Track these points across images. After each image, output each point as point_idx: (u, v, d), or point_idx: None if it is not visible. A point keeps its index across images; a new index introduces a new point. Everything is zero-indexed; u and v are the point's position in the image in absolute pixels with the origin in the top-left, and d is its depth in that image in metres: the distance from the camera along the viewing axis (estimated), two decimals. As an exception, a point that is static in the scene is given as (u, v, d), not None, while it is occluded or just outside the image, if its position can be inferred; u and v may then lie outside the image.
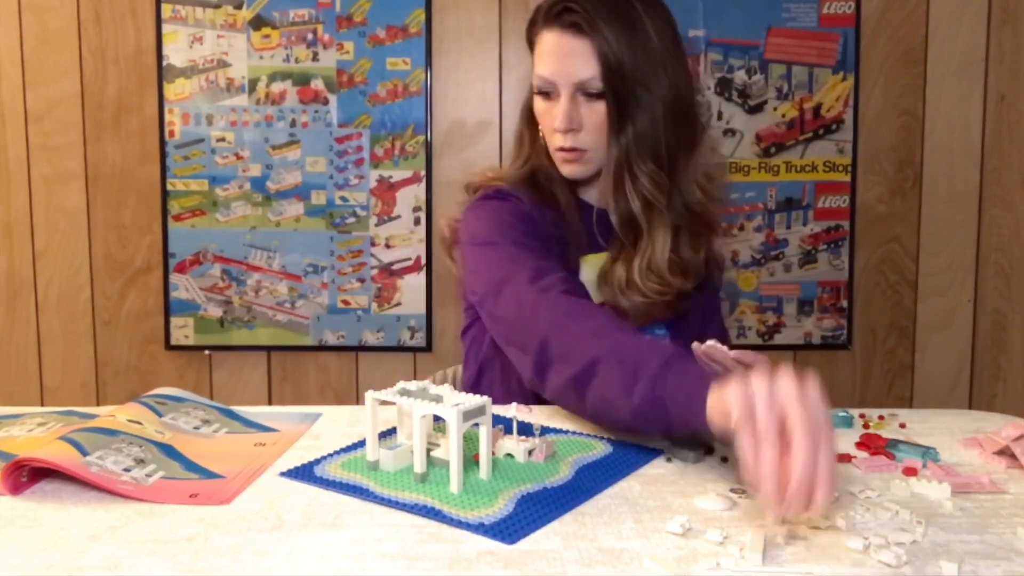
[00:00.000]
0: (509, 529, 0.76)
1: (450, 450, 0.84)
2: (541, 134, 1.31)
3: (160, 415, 1.04)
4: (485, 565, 0.69)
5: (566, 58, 1.21)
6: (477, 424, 0.87)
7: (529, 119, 1.34)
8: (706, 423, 0.83)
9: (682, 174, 1.28)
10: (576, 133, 1.24)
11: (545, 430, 1.02)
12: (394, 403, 0.91)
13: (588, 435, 1.04)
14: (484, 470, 0.88)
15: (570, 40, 1.20)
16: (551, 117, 1.24)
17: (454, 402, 0.87)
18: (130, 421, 0.99)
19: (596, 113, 1.23)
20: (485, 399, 0.88)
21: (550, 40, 1.22)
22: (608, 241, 1.31)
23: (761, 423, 0.72)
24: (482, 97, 2.18)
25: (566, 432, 1.06)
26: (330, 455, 0.97)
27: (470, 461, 0.91)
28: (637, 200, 1.25)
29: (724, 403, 0.79)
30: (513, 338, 1.12)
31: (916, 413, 1.15)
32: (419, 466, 0.87)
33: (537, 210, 1.29)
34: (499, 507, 0.81)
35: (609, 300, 1.28)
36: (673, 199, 1.27)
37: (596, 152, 1.26)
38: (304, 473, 0.91)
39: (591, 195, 1.34)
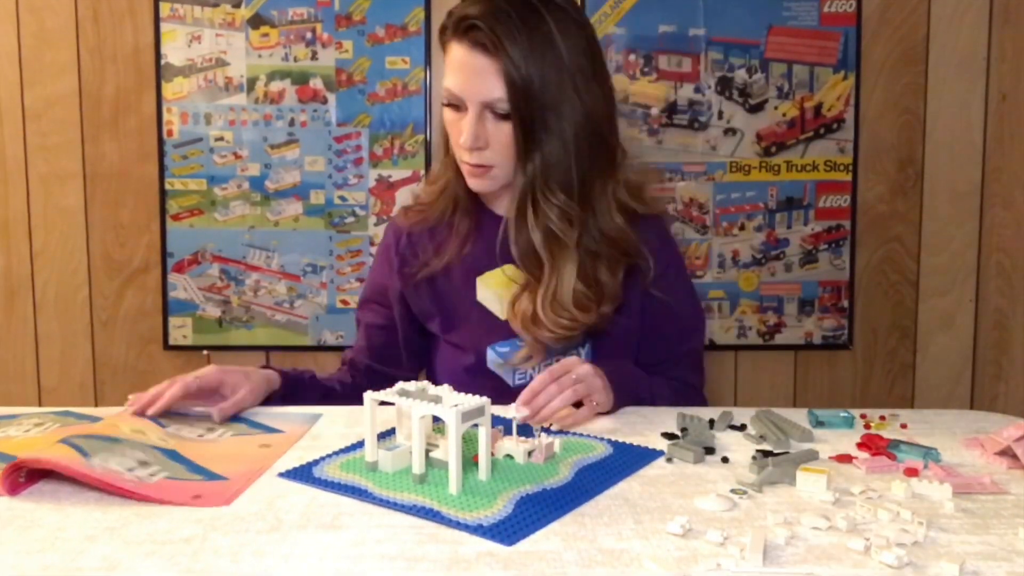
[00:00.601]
0: (508, 530, 0.76)
1: (449, 451, 0.84)
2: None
3: (163, 426, 1.04)
4: (484, 566, 0.69)
5: (473, 75, 1.17)
6: (476, 425, 0.87)
7: (444, 128, 1.30)
8: None
9: (598, 200, 1.24)
10: (482, 151, 1.20)
11: (544, 431, 1.01)
12: (393, 404, 0.90)
13: (588, 436, 1.04)
14: (483, 471, 0.88)
15: (477, 57, 1.16)
16: (458, 131, 1.20)
17: (453, 403, 0.87)
18: (133, 431, 0.99)
19: (503, 132, 1.19)
20: (484, 400, 0.87)
21: (458, 54, 1.18)
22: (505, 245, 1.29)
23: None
24: (482, 96, 2.16)
25: (566, 433, 1.05)
26: (329, 456, 0.96)
27: (469, 462, 0.91)
28: (539, 232, 1.21)
29: None
30: None
31: (917, 413, 1.15)
32: (418, 467, 0.87)
33: (419, 236, 1.34)
34: (498, 508, 0.80)
35: (519, 330, 1.26)
36: (587, 228, 1.23)
37: (503, 168, 1.22)
38: (302, 474, 0.91)
39: (502, 206, 1.31)
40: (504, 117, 1.18)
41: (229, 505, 0.82)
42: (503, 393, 1.26)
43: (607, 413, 1.13)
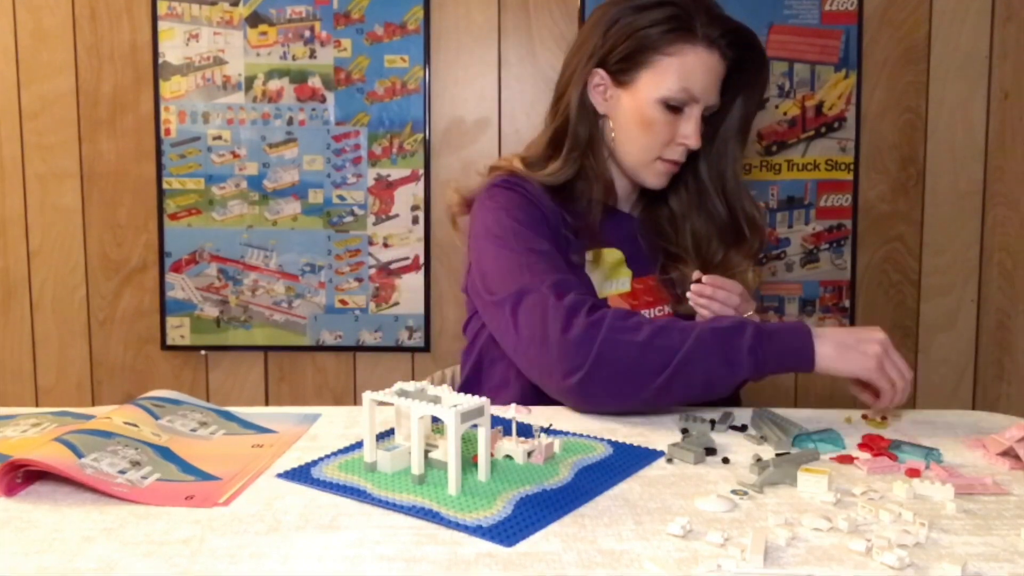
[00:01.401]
0: (507, 531, 0.75)
1: (448, 451, 0.83)
2: (611, 137, 1.32)
3: (157, 418, 1.04)
4: (484, 567, 0.69)
5: (716, 81, 1.29)
6: (475, 425, 0.86)
7: (583, 113, 1.32)
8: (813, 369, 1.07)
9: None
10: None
11: (544, 431, 1.00)
12: (392, 404, 0.89)
13: (588, 436, 1.03)
14: (483, 472, 0.87)
15: (719, 65, 1.28)
16: (673, 130, 1.29)
17: (452, 403, 0.86)
18: (126, 423, 0.99)
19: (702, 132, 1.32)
20: (484, 400, 0.87)
21: (708, 60, 1.27)
22: (625, 245, 1.36)
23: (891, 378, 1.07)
24: (481, 95, 2.16)
25: (566, 433, 1.04)
26: (327, 456, 0.95)
27: (469, 463, 0.90)
28: (743, 214, 1.41)
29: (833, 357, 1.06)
30: (534, 353, 1.11)
31: (919, 413, 1.16)
32: (416, 467, 0.86)
33: (547, 199, 1.29)
34: (497, 509, 0.80)
35: (673, 310, 1.35)
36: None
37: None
38: (301, 475, 0.90)
39: (622, 202, 1.41)
40: (706, 119, 1.31)
41: (224, 506, 0.81)
42: None
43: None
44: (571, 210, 1.31)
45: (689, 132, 1.28)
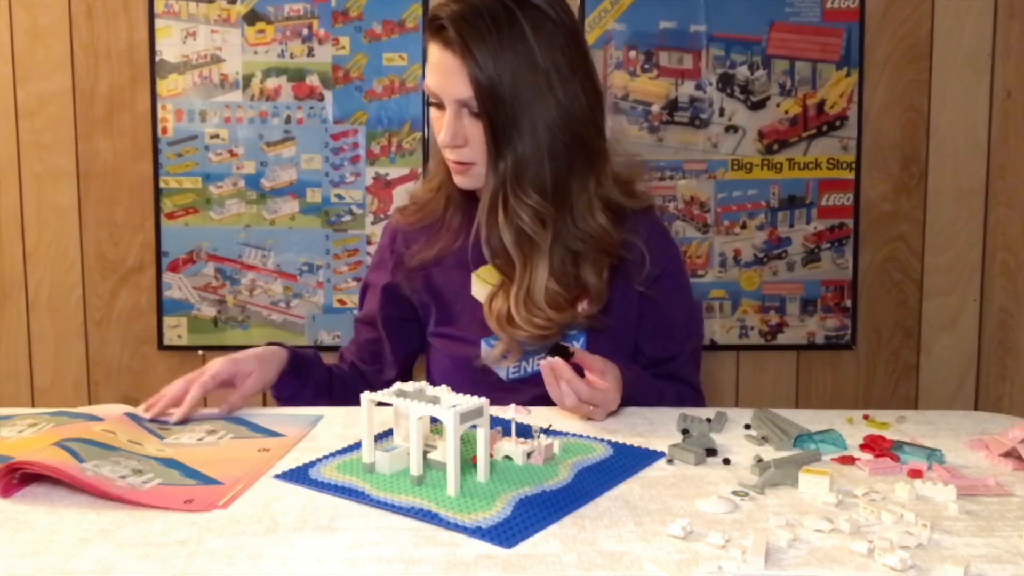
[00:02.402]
0: (507, 533, 0.75)
1: (447, 452, 0.83)
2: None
3: (161, 438, 1.03)
4: (483, 569, 0.69)
5: (446, 74, 1.17)
6: (475, 426, 0.85)
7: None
8: None
9: (577, 199, 1.22)
10: (461, 148, 1.20)
11: (544, 431, 0.99)
12: (391, 404, 0.88)
13: (588, 437, 1.02)
14: (482, 473, 0.86)
15: (447, 57, 1.16)
16: (439, 128, 1.21)
17: (451, 404, 0.86)
18: (131, 441, 0.98)
19: (478, 130, 1.19)
20: (483, 401, 0.86)
21: (434, 53, 1.19)
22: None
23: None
24: (480, 93, 2.14)
25: (566, 434, 1.03)
26: (325, 457, 0.95)
27: (468, 463, 0.89)
28: (510, 232, 1.20)
29: None
30: None
31: (921, 414, 1.15)
32: (415, 468, 0.86)
33: (415, 234, 1.34)
34: (497, 510, 0.79)
35: (496, 329, 1.25)
36: (565, 227, 1.22)
37: (484, 166, 1.22)
38: (299, 476, 0.89)
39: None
40: (477, 116, 1.18)
41: (222, 509, 0.81)
42: (496, 387, 1.26)
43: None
44: (442, 234, 1.32)
45: (441, 128, 1.20)
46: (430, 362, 1.40)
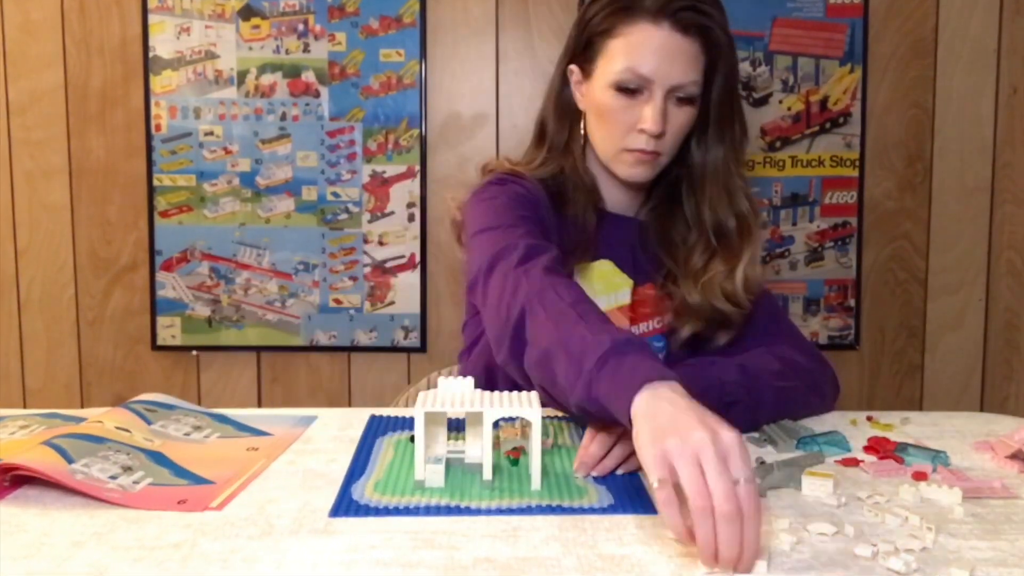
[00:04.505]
0: (633, 505, 0.81)
1: (531, 447, 0.85)
2: (582, 130, 1.27)
3: (149, 423, 1.02)
4: (482, 572, 0.68)
5: (671, 58, 1.16)
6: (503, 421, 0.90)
7: (560, 111, 1.28)
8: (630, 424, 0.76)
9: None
10: (660, 137, 1.19)
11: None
12: (456, 415, 0.92)
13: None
14: (536, 470, 0.86)
15: (680, 40, 1.16)
16: (632, 115, 1.19)
17: (491, 403, 0.86)
18: (118, 428, 0.98)
19: (682, 117, 1.20)
20: (532, 393, 0.88)
21: (657, 36, 1.16)
22: (621, 250, 1.27)
23: (700, 498, 0.66)
24: (478, 89, 2.12)
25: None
26: (354, 478, 0.89)
27: (501, 460, 0.93)
28: (733, 218, 1.25)
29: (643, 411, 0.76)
30: (494, 319, 1.04)
31: (926, 415, 1.14)
32: (488, 473, 0.86)
33: (544, 195, 1.25)
34: (595, 497, 0.83)
35: (670, 324, 1.25)
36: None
37: (668, 156, 1.23)
38: (350, 506, 0.82)
39: (615, 203, 1.31)
40: (687, 101, 1.19)
41: (217, 510, 0.81)
42: None
43: None
44: (563, 217, 1.25)
45: (646, 116, 1.17)
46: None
